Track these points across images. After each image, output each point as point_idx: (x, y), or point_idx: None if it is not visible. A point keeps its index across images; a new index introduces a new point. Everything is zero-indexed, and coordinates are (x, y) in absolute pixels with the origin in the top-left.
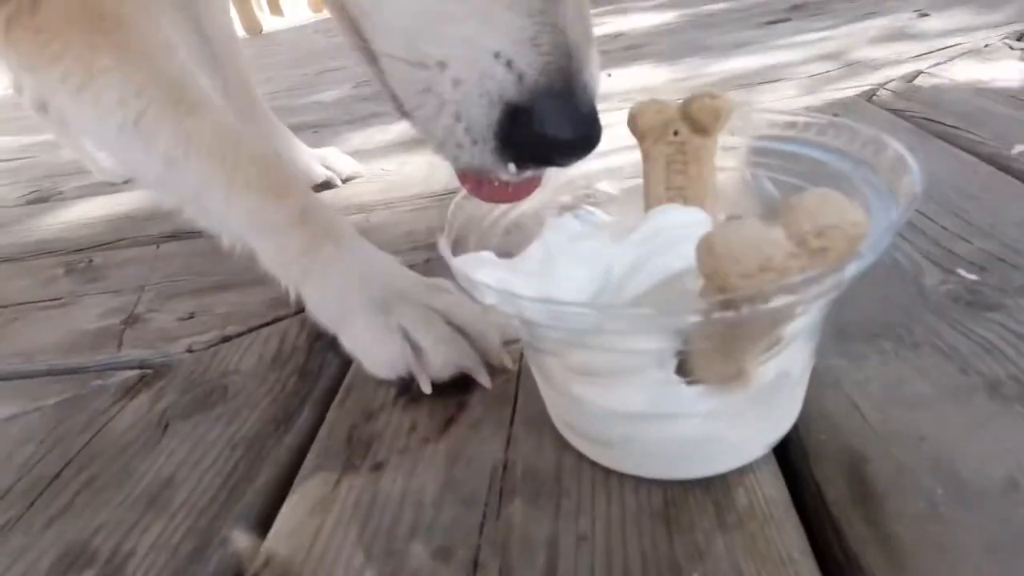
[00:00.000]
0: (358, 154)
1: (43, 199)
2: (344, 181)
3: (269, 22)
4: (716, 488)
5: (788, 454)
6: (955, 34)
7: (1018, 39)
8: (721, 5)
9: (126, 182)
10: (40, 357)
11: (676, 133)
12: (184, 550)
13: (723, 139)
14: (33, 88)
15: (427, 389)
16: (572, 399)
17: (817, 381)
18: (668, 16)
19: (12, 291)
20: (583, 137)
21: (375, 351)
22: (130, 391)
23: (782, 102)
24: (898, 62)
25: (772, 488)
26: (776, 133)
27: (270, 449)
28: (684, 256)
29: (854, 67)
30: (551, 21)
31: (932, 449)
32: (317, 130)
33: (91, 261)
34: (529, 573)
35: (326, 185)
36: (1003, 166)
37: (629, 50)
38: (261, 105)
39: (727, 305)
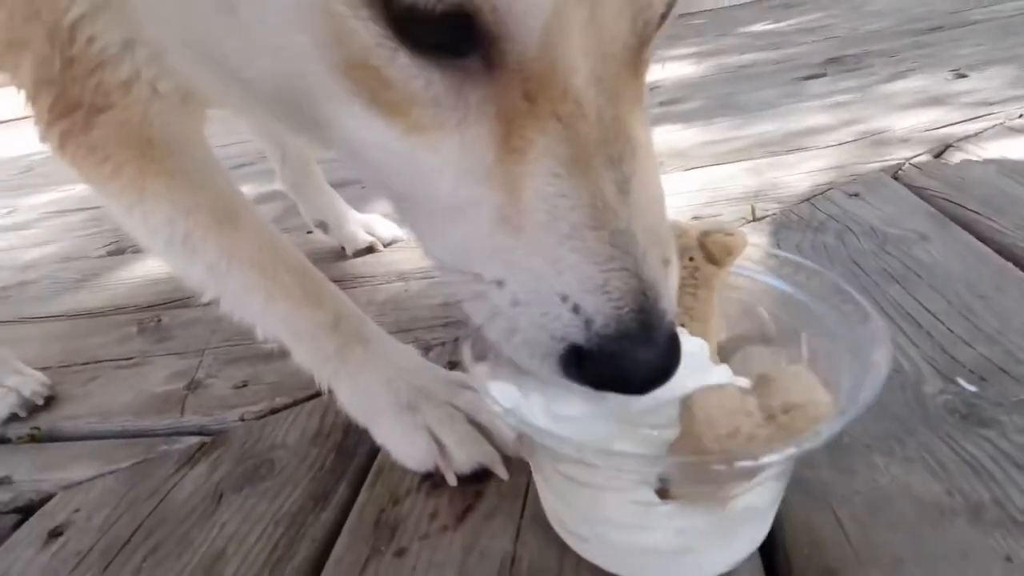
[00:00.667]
0: (391, 219)
1: (120, 251)
2: (385, 246)
3: None
4: None
5: (773, 562)
6: (990, 102)
7: None
8: (757, 55)
9: None
10: (115, 418)
11: (691, 259)
12: None
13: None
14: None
15: (452, 482)
16: (563, 499)
17: (806, 492)
18: (703, 68)
19: (91, 347)
20: (659, 371)
21: (404, 447)
22: (191, 459)
23: (808, 176)
24: (928, 131)
25: None
26: (775, 269)
27: (308, 526)
28: (676, 385)
29: (882, 136)
30: (622, 266)
31: (908, 574)
32: (365, 186)
33: (160, 320)
34: None
35: (369, 249)
36: (1018, 259)
37: (663, 106)
38: (316, 175)
39: (698, 465)
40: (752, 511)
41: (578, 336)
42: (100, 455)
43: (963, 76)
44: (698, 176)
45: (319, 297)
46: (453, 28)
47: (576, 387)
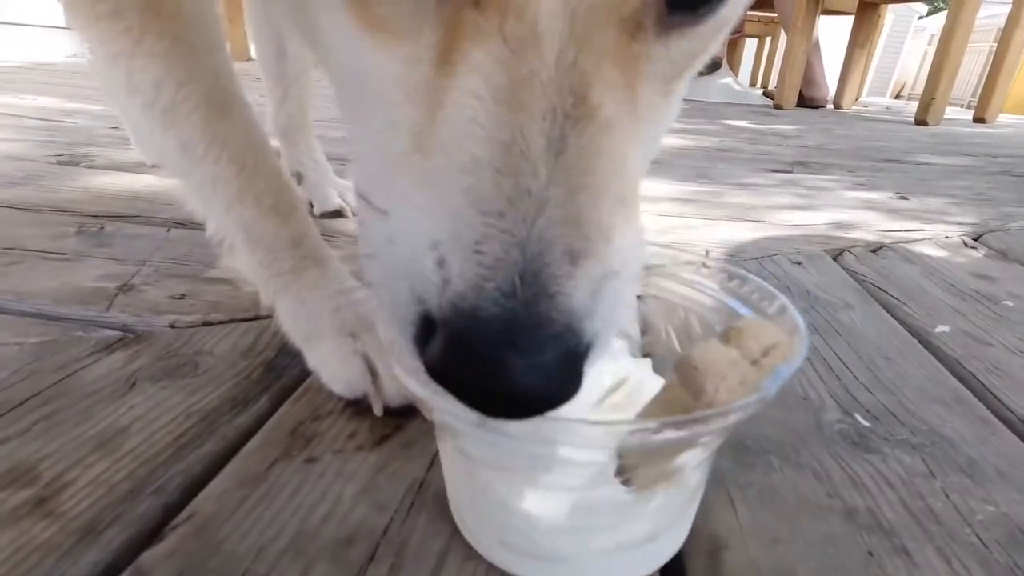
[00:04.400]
0: None
1: (73, 163)
2: (354, 214)
3: None
4: None
5: None
6: (924, 222)
7: (975, 239)
8: (735, 144)
9: (154, 165)
10: (31, 300)
11: None
12: (120, 490)
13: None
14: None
15: (379, 412)
16: (521, 515)
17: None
18: (684, 142)
19: (21, 237)
20: (496, 396)
21: (337, 370)
22: (108, 348)
23: (760, 242)
24: (868, 232)
25: None
26: (700, 280)
27: (221, 425)
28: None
29: (829, 228)
30: (507, 228)
31: (781, 553)
32: (344, 163)
33: (102, 228)
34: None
35: (336, 214)
36: (923, 340)
37: None
38: (308, 126)
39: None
40: (701, 484)
41: (432, 298)
42: (7, 328)
43: (904, 198)
44: (663, 221)
45: (289, 212)
46: None
47: None
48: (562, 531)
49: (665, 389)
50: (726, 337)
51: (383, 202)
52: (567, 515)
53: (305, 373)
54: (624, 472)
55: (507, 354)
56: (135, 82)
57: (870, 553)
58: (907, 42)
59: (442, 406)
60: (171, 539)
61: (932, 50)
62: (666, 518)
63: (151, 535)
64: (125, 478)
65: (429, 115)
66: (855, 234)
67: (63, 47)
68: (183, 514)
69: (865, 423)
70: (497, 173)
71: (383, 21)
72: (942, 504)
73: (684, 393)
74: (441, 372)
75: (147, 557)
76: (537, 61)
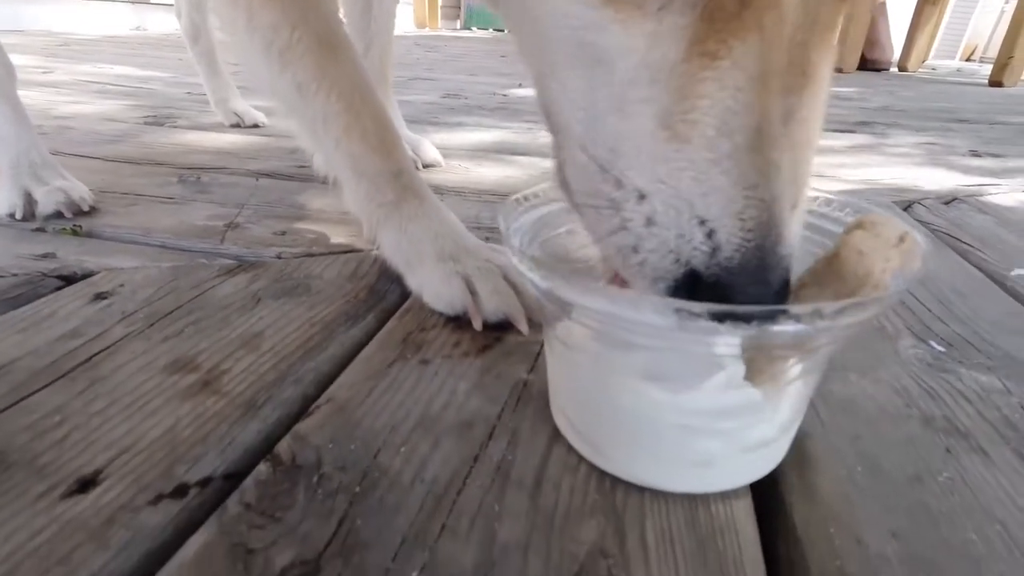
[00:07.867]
0: (439, 150)
1: (159, 123)
2: (424, 167)
3: None
4: None
5: None
6: (998, 176)
7: None
8: None
9: (232, 126)
10: (156, 234)
11: None
12: (268, 378)
13: None
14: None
15: (478, 327)
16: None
17: None
18: None
19: (133, 184)
20: (760, 296)
21: (439, 289)
22: (230, 272)
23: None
24: (938, 186)
25: None
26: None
27: (339, 334)
28: None
29: (897, 182)
30: (760, 196)
31: (863, 445)
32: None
33: (199, 177)
34: (530, 450)
35: None
36: (998, 281)
37: None
38: (388, 81)
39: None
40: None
41: (700, 262)
42: (142, 255)
43: (977, 155)
44: None
45: (391, 147)
46: None
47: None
48: (703, 433)
49: (799, 288)
50: (862, 227)
51: (638, 182)
52: (692, 416)
53: (404, 296)
54: (751, 375)
55: (761, 290)
56: (255, 23)
57: (948, 450)
58: None
59: (622, 314)
60: (317, 416)
61: (1010, 8)
62: (787, 419)
63: (299, 413)
64: (269, 369)
65: (679, 99)
66: (923, 188)
67: (126, 20)
68: (323, 398)
69: (940, 348)
70: (750, 152)
71: None
72: (1019, 415)
73: (821, 288)
74: (728, 285)
75: (301, 427)
76: (779, 47)
